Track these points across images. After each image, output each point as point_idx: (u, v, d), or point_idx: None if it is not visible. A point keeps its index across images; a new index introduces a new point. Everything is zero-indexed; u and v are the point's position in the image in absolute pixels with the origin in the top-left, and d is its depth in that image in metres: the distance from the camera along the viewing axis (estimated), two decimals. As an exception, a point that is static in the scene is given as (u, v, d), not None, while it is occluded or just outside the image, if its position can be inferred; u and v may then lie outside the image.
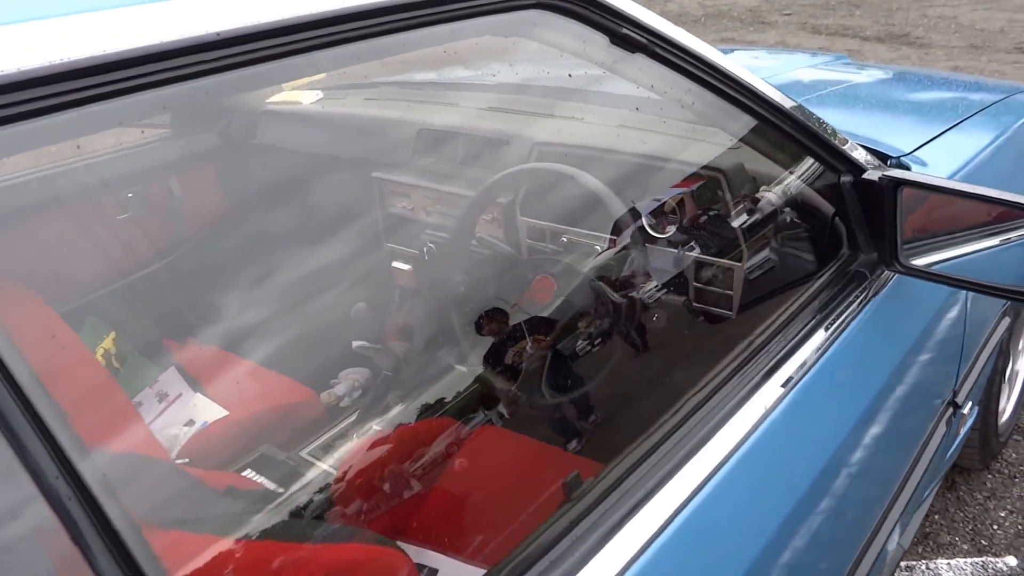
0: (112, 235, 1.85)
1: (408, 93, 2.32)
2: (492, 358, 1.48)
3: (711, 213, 1.65)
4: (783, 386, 1.18)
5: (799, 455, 1.09)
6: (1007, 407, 2.19)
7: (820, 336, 1.29)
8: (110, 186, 1.96)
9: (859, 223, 1.43)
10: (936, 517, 2.08)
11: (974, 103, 1.97)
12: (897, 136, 1.85)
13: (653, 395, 1.34)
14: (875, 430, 1.34)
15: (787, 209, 1.55)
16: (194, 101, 0.62)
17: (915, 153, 1.77)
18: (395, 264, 2.03)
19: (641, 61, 1.01)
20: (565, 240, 1.79)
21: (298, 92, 2.33)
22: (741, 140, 1.42)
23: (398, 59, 0.79)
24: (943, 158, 1.76)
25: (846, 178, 1.44)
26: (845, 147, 1.44)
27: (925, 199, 1.39)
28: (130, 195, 1.99)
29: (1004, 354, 1.98)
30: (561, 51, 0.95)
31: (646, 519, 0.82)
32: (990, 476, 2.18)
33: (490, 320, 1.49)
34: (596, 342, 1.41)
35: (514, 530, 0.87)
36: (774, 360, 1.23)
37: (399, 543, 0.88)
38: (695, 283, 1.64)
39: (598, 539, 0.78)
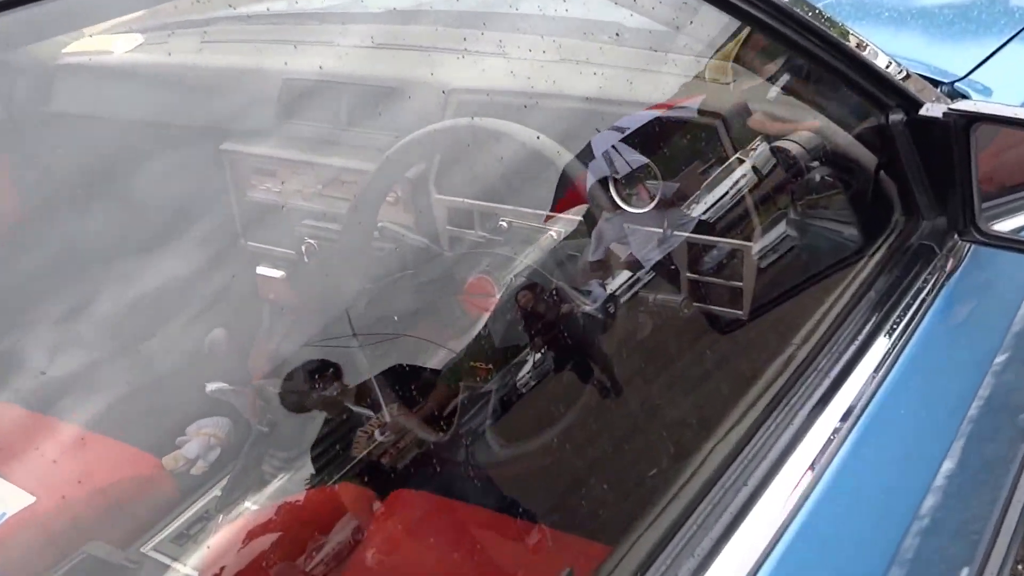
0: None
1: (263, 30, 2.23)
2: (412, 397, 1.45)
3: (706, 173, 1.62)
4: (841, 420, 1.13)
5: (874, 524, 1.16)
6: None
7: (881, 345, 1.25)
8: None
9: (916, 177, 1.42)
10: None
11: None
12: (942, 55, 1.83)
13: (645, 448, 1.36)
14: (961, 470, 1.34)
15: (813, 163, 1.53)
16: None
17: (970, 77, 1.74)
18: (261, 271, 1.97)
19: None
20: (504, 224, 1.75)
21: (107, 37, 2.20)
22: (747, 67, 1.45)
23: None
24: (1012, 81, 1.74)
25: (896, 116, 1.39)
26: (892, 72, 1.38)
27: (1006, 141, 1.38)
28: None
29: None
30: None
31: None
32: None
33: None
34: (558, 365, 1.48)
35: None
36: (820, 386, 1.18)
37: None
38: (689, 274, 1.58)
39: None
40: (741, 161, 1.62)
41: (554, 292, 1.53)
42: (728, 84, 1.58)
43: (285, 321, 1.95)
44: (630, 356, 1.58)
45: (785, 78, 1.52)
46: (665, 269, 1.60)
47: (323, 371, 1.51)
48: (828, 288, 1.41)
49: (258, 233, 2.10)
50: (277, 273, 1.96)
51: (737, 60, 1.51)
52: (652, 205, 1.60)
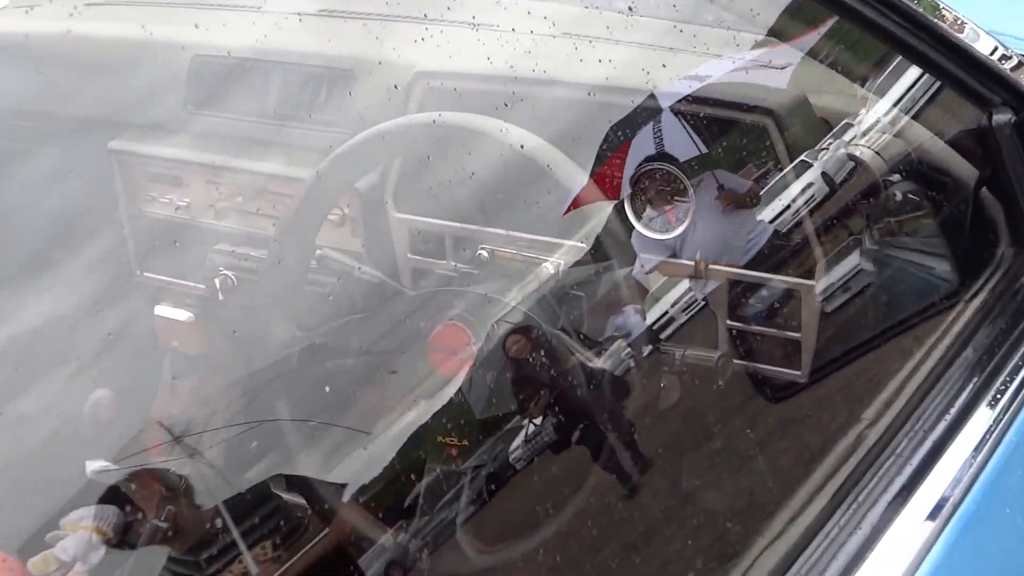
0: None
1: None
2: (356, 490, 1.47)
3: (753, 189, 1.65)
4: (928, 520, 1.15)
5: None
6: None
7: (981, 419, 1.27)
8: None
9: (1033, 196, 1.47)
10: None
11: None
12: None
13: (672, 553, 1.38)
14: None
15: (894, 177, 1.55)
16: None
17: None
18: (162, 311, 1.94)
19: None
20: (484, 254, 1.77)
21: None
22: (808, 54, 1.46)
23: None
24: None
25: (1002, 116, 1.41)
26: (997, 59, 1.41)
27: None
28: None
29: None
30: None
31: None
32: None
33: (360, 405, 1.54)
34: (557, 442, 1.51)
35: None
36: (900, 474, 1.20)
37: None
38: (730, 322, 1.60)
39: None
40: (804, 167, 1.65)
41: (551, 344, 1.54)
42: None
43: (193, 378, 1.94)
44: (652, 430, 1.59)
45: (853, 64, 1.55)
46: (697, 317, 1.61)
47: (239, 452, 1.52)
48: (913, 343, 1.43)
49: (157, 261, 2.08)
50: (182, 314, 1.93)
51: (781, 36, 1.54)
52: (679, 225, 1.62)
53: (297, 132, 2.03)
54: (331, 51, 2.05)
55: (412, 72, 1.94)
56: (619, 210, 1.65)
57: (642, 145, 1.67)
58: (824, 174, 1.64)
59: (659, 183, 1.63)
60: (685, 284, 1.69)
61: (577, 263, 1.66)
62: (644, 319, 1.65)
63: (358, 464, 1.55)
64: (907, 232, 1.60)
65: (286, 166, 1.96)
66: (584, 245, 1.62)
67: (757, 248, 1.66)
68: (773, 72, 1.58)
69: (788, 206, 1.68)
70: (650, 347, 1.60)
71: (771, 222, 1.71)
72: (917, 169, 1.54)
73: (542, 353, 1.55)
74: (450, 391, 1.51)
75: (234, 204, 2.05)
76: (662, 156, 1.67)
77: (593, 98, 1.77)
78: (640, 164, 1.64)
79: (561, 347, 1.54)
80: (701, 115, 1.66)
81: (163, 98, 2.14)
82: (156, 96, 2.13)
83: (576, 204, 1.64)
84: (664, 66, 1.77)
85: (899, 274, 1.61)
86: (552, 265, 1.67)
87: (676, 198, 1.63)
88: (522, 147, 1.59)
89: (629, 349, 1.58)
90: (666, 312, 1.68)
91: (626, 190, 1.64)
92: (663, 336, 1.63)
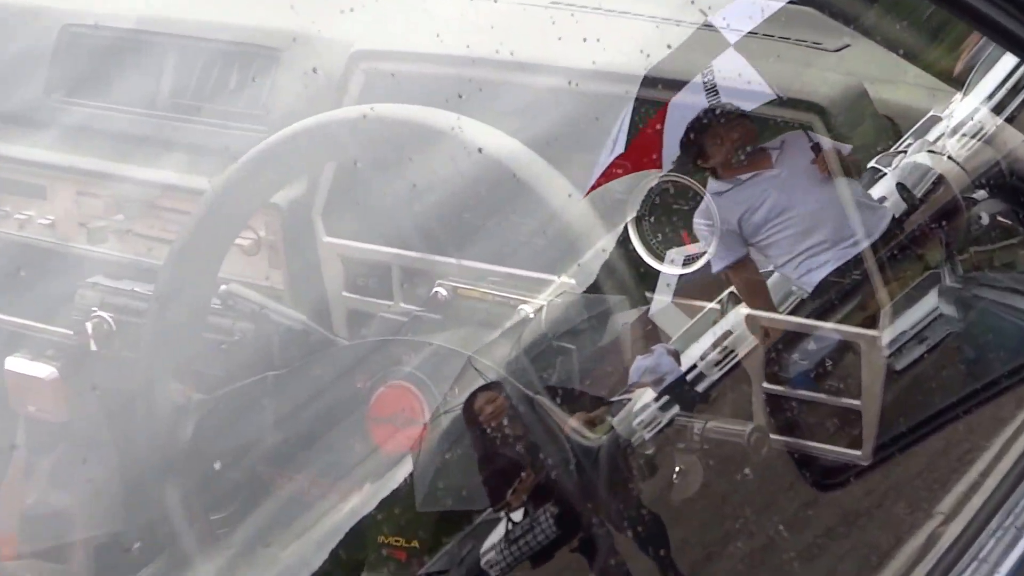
0: None
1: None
2: None
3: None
4: None
5: None
6: None
7: None
8: None
9: None
10: None
11: None
12: None
13: None
14: None
15: (979, 193, 1.56)
16: None
17: None
18: (14, 365, 1.99)
19: None
20: (442, 292, 1.78)
21: None
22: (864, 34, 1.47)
23: None
24: None
25: None
26: None
27: None
28: None
29: None
30: None
31: None
32: None
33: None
34: (542, 543, 1.49)
35: None
36: None
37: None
38: (768, 385, 1.61)
39: None
40: (874, 176, 1.66)
41: (532, 410, 1.54)
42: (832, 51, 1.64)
43: (55, 454, 1.96)
44: (667, 525, 1.57)
45: (927, 48, 1.56)
46: (725, 376, 1.61)
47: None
48: (1004, 413, 1.44)
49: (10, 298, 2.07)
50: (42, 370, 1.96)
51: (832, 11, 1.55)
52: (700, 254, 1.63)
53: (197, 129, 2.03)
54: (243, 23, 2.07)
55: (348, 53, 1.95)
56: (623, 237, 1.65)
57: (644, 151, 1.66)
58: (900, 185, 1.64)
59: (672, 201, 1.64)
60: (714, 332, 1.67)
61: (566, 308, 1.65)
62: (679, 363, 1.64)
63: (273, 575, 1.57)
64: (997, 266, 1.61)
65: (182, 174, 1.96)
66: (574, 281, 1.63)
67: (870, 238, 1.64)
68: (820, 56, 1.60)
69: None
70: (677, 408, 1.59)
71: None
72: (1009, 184, 1.55)
73: (519, 422, 1.53)
74: (397, 475, 1.52)
75: (113, 223, 2.04)
76: (685, 163, 1.66)
77: (576, 88, 1.77)
78: (647, 179, 1.63)
79: (545, 415, 1.53)
80: (722, 111, 1.65)
81: (19, 81, 2.14)
82: (10, 78, 2.14)
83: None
84: (669, 46, 1.75)
85: (987, 321, 1.60)
86: (532, 307, 1.68)
87: (698, 221, 1.64)
88: (481, 150, 1.60)
89: (645, 414, 1.56)
90: (692, 367, 1.67)
91: (630, 210, 1.64)
92: (676, 405, 1.61)
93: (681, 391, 1.60)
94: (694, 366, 1.64)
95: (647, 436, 1.56)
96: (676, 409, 1.59)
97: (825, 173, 1.63)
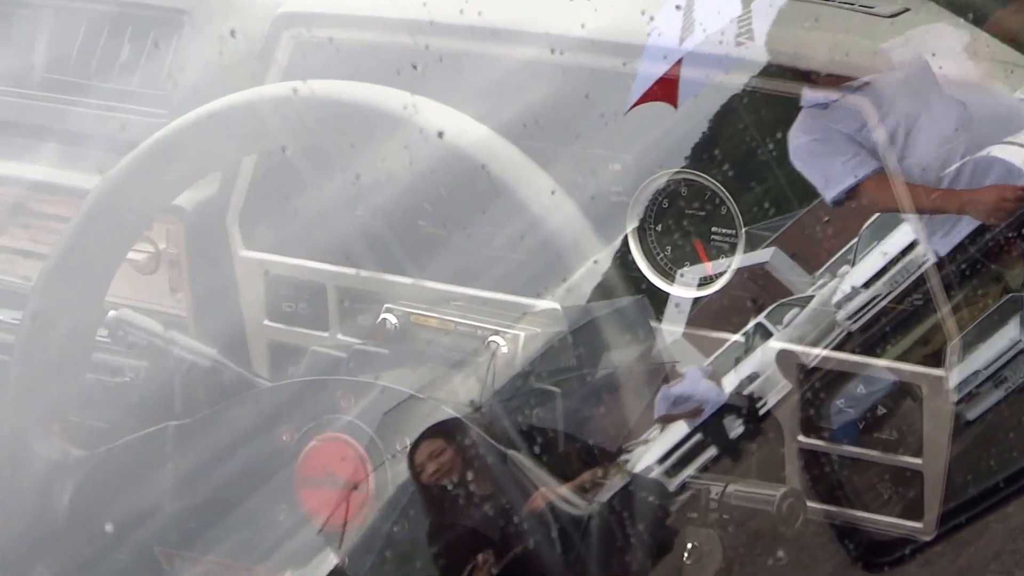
0: None
1: None
2: None
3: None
4: None
5: None
6: None
7: None
8: None
9: None
10: None
11: None
12: None
13: None
14: None
15: None
16: None
17: None
18: None
19: None
20: (390, 319, 1.78)
21: None
22: None
23: None
24: None
25: None
26: None
27: None
28: None
29: None
30: None
31: None
32: None
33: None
34: None
35: None
36: None
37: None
38: (804, 439, 1.63)
39: None
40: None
41: (505, 473, 1.55)
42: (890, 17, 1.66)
43: None
44: None
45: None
46: (752, 427, 1.64)
47: None
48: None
49: None
50: None
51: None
52: (720, 274, 1.66)
53: (79, 113, 2.04)
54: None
55: (272, 15, 1.96)
56: (622, 250, 1.68)
57: (648, 140, 1.69)
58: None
59: (684, 205, 1.67)
60: (737, 373, 1.72)
61: (550, 341, 1.65)
62: (720, 387, 1.67)
63: None
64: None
65: (59, 170, 1.97)
66: (559, 306, 1.64)
67: None
68: (872, 24, 1.62)
69: (911, 245, 1.70)
70: (670, 479, 1.61)
71: (855, 290, 1.75)
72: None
73: (486, 483, 1.55)
74: (330, 556, 1.55)
75: None
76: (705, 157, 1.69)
77: (560, 58, 1.77)
78: (653, 176, 1.67)
79: (520, 474, 1.55)
80: (745, 88, 1.68)
81: None
82: None
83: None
84: (679, 7, 1.74)
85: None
86: (505, 339, 1.67)
87: (714, 231, 1.66)
88: (441, 136, 1.61)
89: (631, 482, 1.59)
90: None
91: (631, 216, 1.67)
92: (688, 464, 1.64)
93: (722, 426, 1.65)
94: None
95: (631, 511, 1.58)
96: (707, 456, 1.64)
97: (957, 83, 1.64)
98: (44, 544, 1.70)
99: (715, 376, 1.66)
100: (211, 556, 1.63)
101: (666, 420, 1.65)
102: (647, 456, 1.64)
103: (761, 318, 1.77)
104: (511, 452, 1.56)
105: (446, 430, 1.59)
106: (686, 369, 1.67)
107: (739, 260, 1.70)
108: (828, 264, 1.86)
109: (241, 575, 1.62)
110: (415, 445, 1.56)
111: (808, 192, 1.73)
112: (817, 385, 1.65)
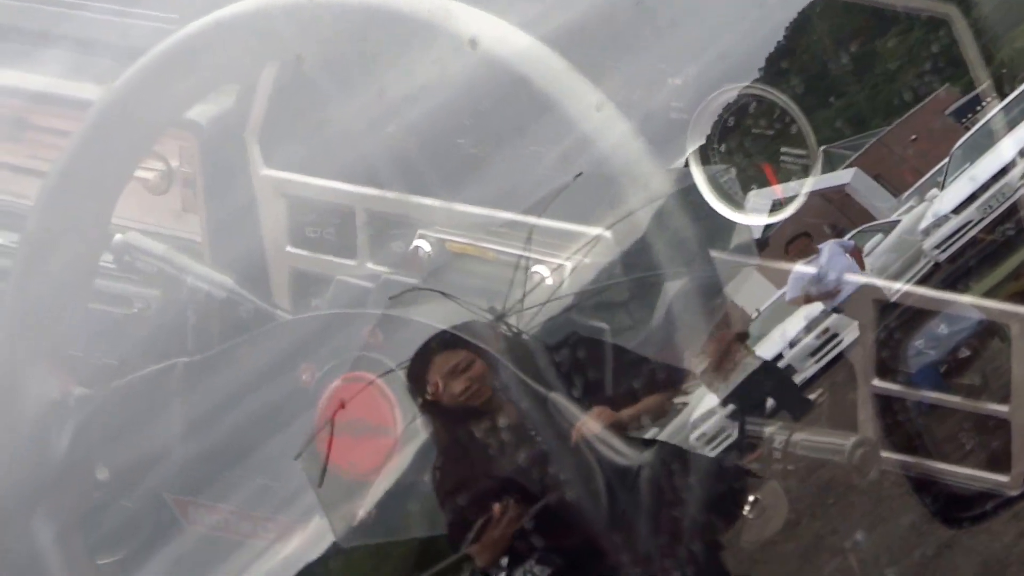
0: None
1: None
2: None
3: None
4: None
5: None
6: None
7: None
8: None
9: None
10: None
11: None
12: None
13: None
14: None
15: None
16: None
17: None
18: None
19: None
20: (423, 246, 1.77)
21: None
22: None
23: None
24: None
25: None
26: None
27: None
28: None
29: None
30: None
31: None
32: None
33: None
34: None
35: None
36: None
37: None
38: (878, 382, 1.59)
39: None
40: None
41: (542, 416, 1.55)
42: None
43: None
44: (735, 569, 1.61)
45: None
46: (823, 370, 1.66)
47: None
48: None
49: None
50: None
51: None
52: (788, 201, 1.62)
53: (84, 18, 2.02)
54: None
55: None
56: (681, 176, 1.64)
57: (711, 52, 1.66)
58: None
59: (753, 123, 1.63)
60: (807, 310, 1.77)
61: (599, 266, 1.64)
62: (862, 264, 1.71)
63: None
64: None
65: (61, 80, 1.97)
66: (611, 235, 1.61)
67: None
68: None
69: (1004, 169, 1.72)
70: (728, 426, 1.61)
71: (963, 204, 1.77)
72: None
73: (519, 427, 1.55)
74: (355, 506, 1.54)
75: None
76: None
77: None
78: (718, 91, 1.63)
79: (559, 418, 1.54)
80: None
81: None
82: None
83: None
84: None
85: None
86: (550, 269, 1.66)
87: (784, 152, 1.62)
88: (474, 43, 1.58)
89: (708, 424, 1.63)
90: (778, 356, 1.73)
91: (696, 135, 1.63)
92: (751, 412, 1.63)
93: (789, 369, 1.72)
94: (780, 356, 1.72)
95: (708, 454, 1.60)
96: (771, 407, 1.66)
97: None
98: (44, 490, 1.71)
99: (856, 252, 1.68)
100: (224, 505, 1.65)
101: (801, 302, 1.73)
102: (703, 401, 1.64)
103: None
104: (551, 394, 1.55)
105: (477, 347, 1.60)
106: (823, 244, 1.72)
107: (813, 182, 1.65)
108: (915, 187, 1.84)
109: (260, 525, 1.63)
110: (435, 351, 1.58)
111: (892, 108, 1.73)
112: (895, 323, 1.61)
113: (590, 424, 1.55)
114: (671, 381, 1.66)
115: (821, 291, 1.72)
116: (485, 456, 1.57)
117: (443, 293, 1.69)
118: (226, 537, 1.62)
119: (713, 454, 1.64)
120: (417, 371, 1.57)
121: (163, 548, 1.67)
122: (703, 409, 1.65)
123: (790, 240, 1.83)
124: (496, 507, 1.51)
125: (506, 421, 1.57)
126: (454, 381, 1.54)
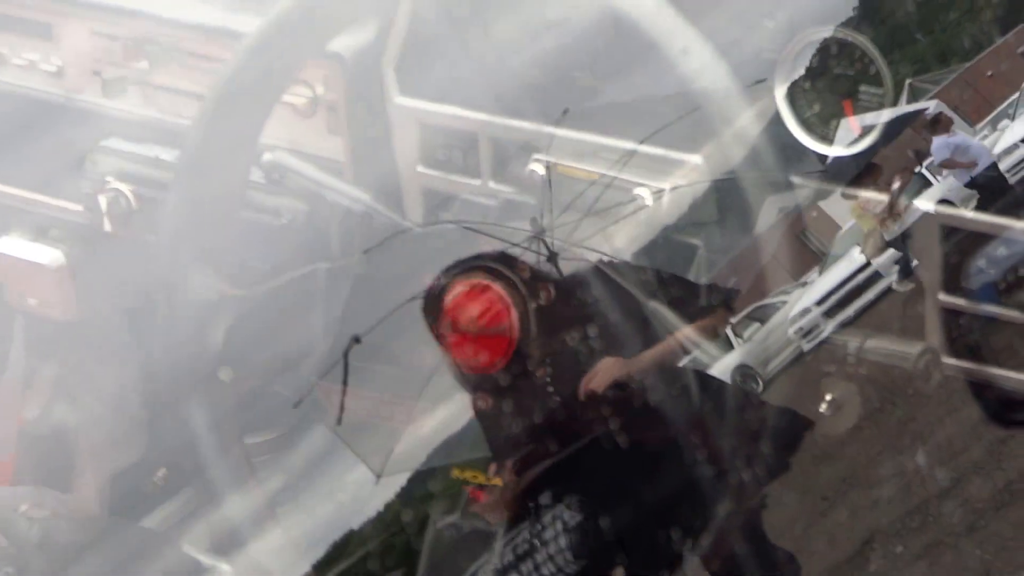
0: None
1: None
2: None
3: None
4: None
5: None
6: None
7: None
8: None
9: None
10: None
11: None
12: None
13: None
14: None
15: None
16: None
17: None
18: (9, 249, 2.08)
19: None
20: (537, 169, 1.81)
21: None
22: None
23: None
24: None
25: None
26: None
27: None
28: None
29: None
30: None
31: None
32: None
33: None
34: (651, 487, 1.57)
35: None
36: None
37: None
38: (945, 296, 1.66)
39: None
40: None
41: (639, 327, 1.59)
42: None
43: (60, 358, 2.05)
44: (807, 478, 1.65)
45: None
46: (888, 284, 1.69)
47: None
48: None
49: (4, 163, 2.12)
50: (45, 254, 2.02)
51: None
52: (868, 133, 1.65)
53: None
54: None
55: None
56: (770, 112, 1.68)
57: None
58: None
59: (835, 64, 1.67)
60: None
61: (695, 190, 1.68)
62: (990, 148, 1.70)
63: (323, 522, 1.68)
64: None
65: (219, 12, 1.98)
66: (703, 163, 1.65)
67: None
68: None
69: None
70: (812, 332, 1.65)
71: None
72: None
73: (628, 341, 1.58)
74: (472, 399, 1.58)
75: (133, 72, 2.06)
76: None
77: None
78: (804, 33, 1.66)
79: (655, 328, 1.57)
80: None
81: None
82: None
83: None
84: None
85: None
86: (651, 192, 1.69)
87: (863, 90, 1.66)
88: None
89: (806, 319, 1.66)
90: (852, 275, 1.75)
91: (781, 73, 1.67)
92: (833, 319, 1.68)
93: (995, 183, 1.71)
94: (867, 265, 1.74)
95: (806, 348, 1.65)
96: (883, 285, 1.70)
97: None
98: (201, 380, 1.71)
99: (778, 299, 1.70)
100: (363, 391, 1.64)
101: (947, 166, 1.73)
102: (804, 300, 1.70)
103: (923, 169, 1.79)
104: (650, 304, 1.58)
105: (592, 303, 1.61)
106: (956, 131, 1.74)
107: (889, 114, 1.68)
108: (989, 117, 1.84)
109: (400, 408, 1.64)
110: (572, 322, 1.58)
111: (971, 47, 1.71)
112: (961, 244, 1.66)
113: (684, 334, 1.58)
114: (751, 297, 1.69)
115: (963, 160, 1.74)
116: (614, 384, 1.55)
117: (473, 228, 1.72)
118: (367, 420, 1.65)
119: (807, 347, 1.68)
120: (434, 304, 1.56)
121: (307, 431, 1.71)
122: (800, 307, 1.68)
123: (933, 120, 1.83)
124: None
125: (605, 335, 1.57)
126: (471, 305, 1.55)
